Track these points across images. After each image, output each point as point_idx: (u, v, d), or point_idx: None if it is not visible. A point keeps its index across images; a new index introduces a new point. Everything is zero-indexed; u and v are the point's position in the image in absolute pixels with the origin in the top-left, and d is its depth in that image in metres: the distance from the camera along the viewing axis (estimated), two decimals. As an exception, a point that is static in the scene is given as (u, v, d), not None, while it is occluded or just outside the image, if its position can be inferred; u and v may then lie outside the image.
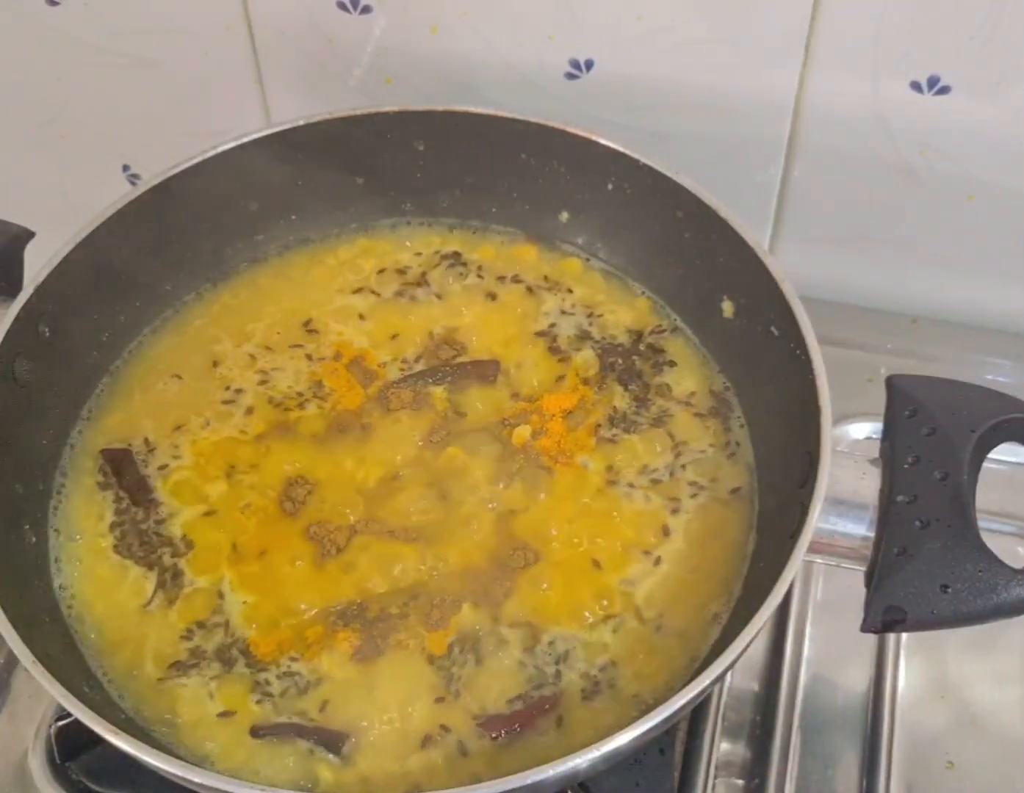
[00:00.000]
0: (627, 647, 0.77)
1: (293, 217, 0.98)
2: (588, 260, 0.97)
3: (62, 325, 0.85)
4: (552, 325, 0.93)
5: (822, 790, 0.85)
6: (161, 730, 0.74)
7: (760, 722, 0.88)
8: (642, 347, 0.91)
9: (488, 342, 0.92)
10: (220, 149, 0.90)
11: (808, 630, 0.92)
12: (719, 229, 0.85)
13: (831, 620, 0.92)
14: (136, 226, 0.88)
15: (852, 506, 0.73)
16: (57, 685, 0.66)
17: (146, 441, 0.87)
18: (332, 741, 0.73)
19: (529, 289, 0.95)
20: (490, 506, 0.82)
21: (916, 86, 0.95)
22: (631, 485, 0.84)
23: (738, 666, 0.72)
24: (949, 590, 0.68)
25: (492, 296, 0.95)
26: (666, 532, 0.82)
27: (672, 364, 0.91)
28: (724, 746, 0.87)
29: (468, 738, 0.73)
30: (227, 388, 0.90)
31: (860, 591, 0.71)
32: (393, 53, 1.05)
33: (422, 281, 0.96)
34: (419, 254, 0.98)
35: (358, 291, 0.96)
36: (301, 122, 0.92)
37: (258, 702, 0.75)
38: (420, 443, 0.86)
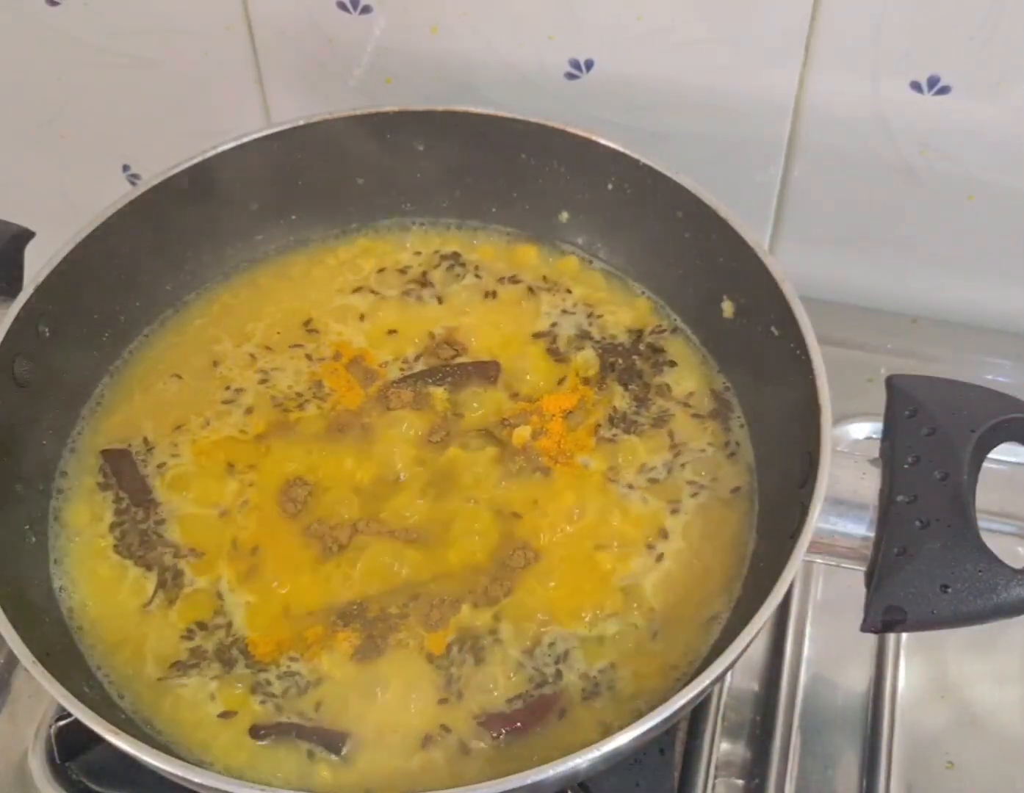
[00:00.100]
0: (627, 647, 0.77)
1: (293, 217, 0.98)
2: (588, 260, 0.97)
3: (62, 325, 0.85)
4: (553, 325, 0.93)
5: (822, 790, 0.85)
6: (161, 730, 0.74)
7: (760, 722, 0.88)
8: (642, 347, 0.91)
9: (488, 342, 0.92)
10: (220, 149, 0.90)
11: (808, 630, 0.92)
12: (719, 229, 0.85)
13: (831, 620, 0.92)
14: (136, 226, 0.88)
15: (852, 506, 0.73)
16: (57, 685, 0.66)
17: (145, 441, 0.87)
18: (332, 741, 0.73)
19: (529, 289, 0.95)
20: (490, 506, 0.82)
21: (916, 86, 0.95)
22: (631, 485, 0.84)
23: (738, 666, 0.72)
24: (949, 590, 0.68)
25: (492, 296, 0.95)
26: (666, 532, 0.82)
27: (672, 364, 0.91)
28: (724, 746, 0.87)
29: (468, 738, 0.73)
30: (227, 388, 0.90)
31: (860, 591, 0.71)
32: (393, 53, 1.05)
33: (422, 281, 0.96)
34: (419, 254, 0.98)
35: (358, 291, 0.96)
36: (301, 122, 0.92)
37: (258, 702, 0.75)
38: (420, 443, 0.86)
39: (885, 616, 0.69)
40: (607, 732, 0.64)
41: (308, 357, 0.91)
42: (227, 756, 0.73)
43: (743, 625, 0.67)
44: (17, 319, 0.80)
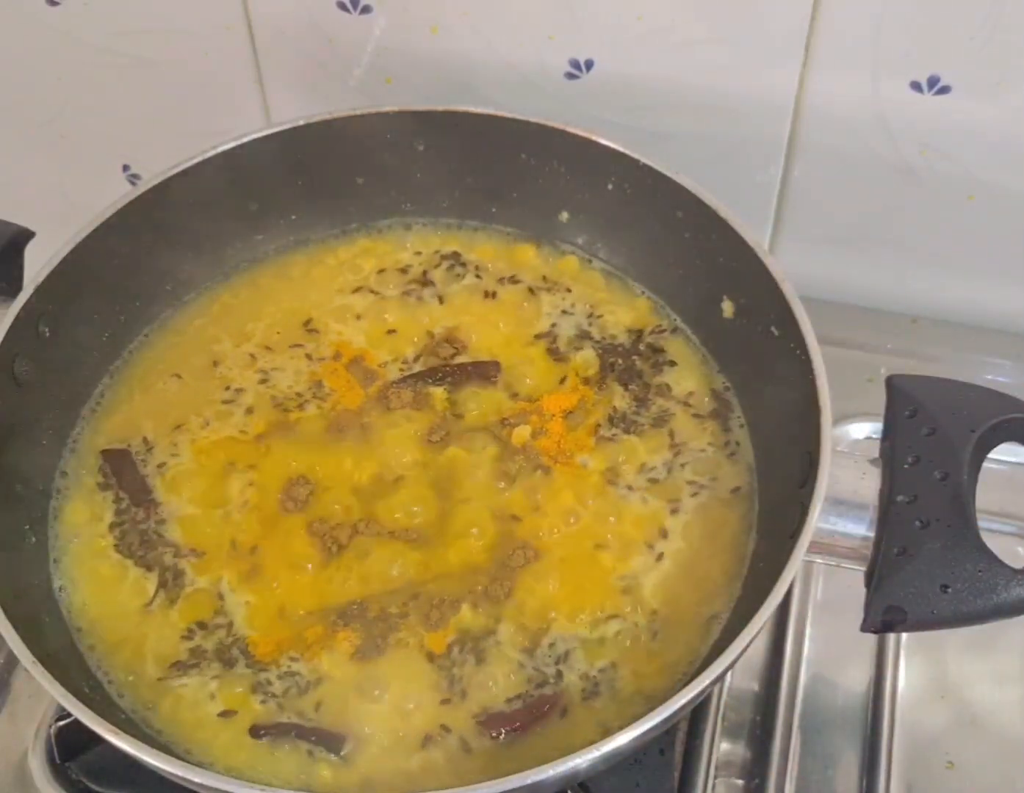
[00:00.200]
0: (627, 647, 0.77)
1: (293, 217, 0.98)
2: (588, 260, 0.97)
3: (62, 325, 0.85)
4: (552, 325, 0.93)
5: (822, 790, 0.85)
6: (161, 730, 0.74)
7: (760, 722, 0.88)
8: (642, 347, 0.91)
9: (488, 342, 0.92)
10: (220, 149, 0.90)
11: (808, 630, 0.92)
12: (719, 229, 0.85)
13: (831, 620, 0.92)
14: (136, 226, 0.88)
15: (852, 506, 0.72)
16: (57, 685, 0.66)
17: (145, 441, 0.87)
18: (332, 741, 0.73)
19: (529, 289, 0.95)
20: (490, 506, 0.82)
21: (916, 86, 0.95)
22: (631, 485, 0.84)
23: (738, 666, 0.72)
24: (949, 590, 0.68)
25: (492, 296, 0.95)
26: (665, 532, 0.82)
27: (672, 364, 0.91)
28: (724, 746, 0.87)
29: (468, 737, 0.73)
30: (227, 388, 0.90)
31: (860, 591, 0.71)
32: (393, 53, 1.05)
33: (422, 281, 0.96)
34: (419, 253, 0.98)
35: (358, 291, 0.96)
36: (301, 122, 0.92)
37: (259, 702, 0.75)
38: (420, 443, 0.86)
39: (885, 616, 0.69)
40: (607, 732, 0.64)
41: (308, 357, 0.91)
42: (227, 756, 0.73)
43: (743, 625, 0.67)
44: (17, 319, 0.80)
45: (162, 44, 1.10)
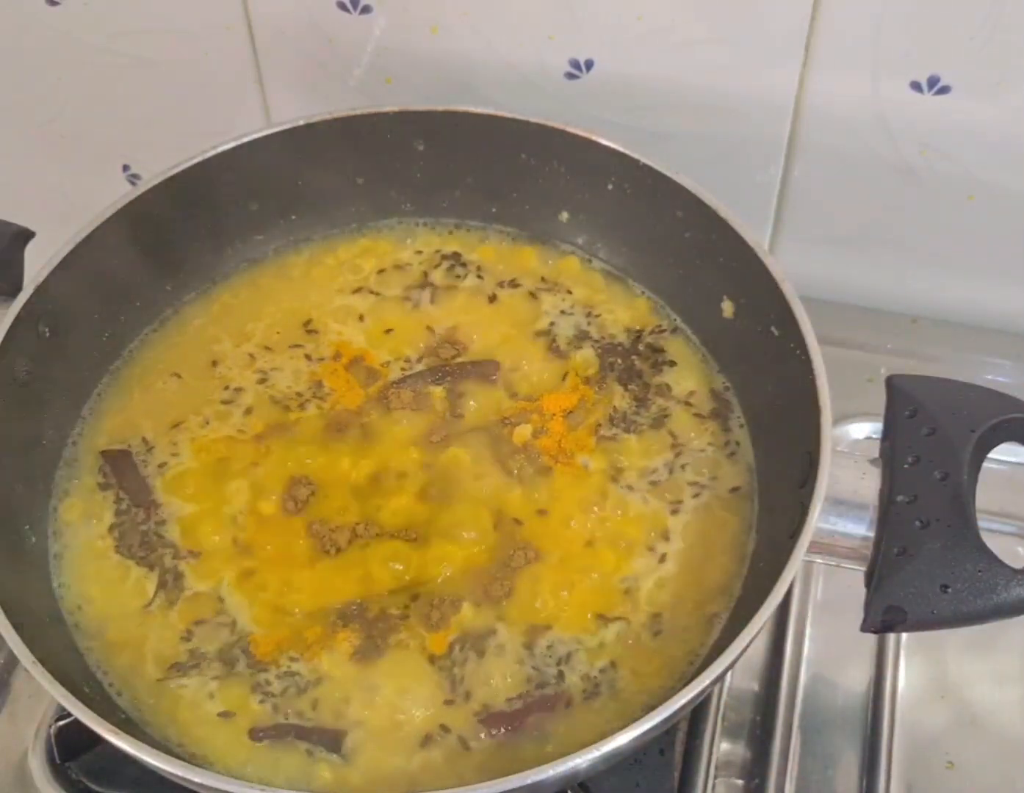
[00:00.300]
0: (627, 647, 0.77)
1: (293, 217, 0.98)
2: (588, 260, 0.97)
3: (62, 325, 0.85)
4: (552, 325, 0.93)
5: (822, 790, 0.85)
6: (161, 730, 0.74)
7: (760, 722, 0.88)
8: (642, 347, 0.91)
9: (488, 342, 0.92)
10: (220, 149, 0.90)
11: (808, 630, 0.92)
12: (719, 229, 0.85)
13: (831, 620, 0.92)
14: (136, 226, 0.88)
15: (852, 506, 0.72)
16: (57, 685, 0.66)
17: (145, 440, 0.87)
18: (331, 741, 0.73)
19: (529, 289, 0.95)
20: (490, 506, 0.82)
21: (916, 86, 0.95)
22: (631, 485, 0.84)
23: (738, 666, 0.72)
24: (949, 590, 0.68)
25: (492, 296, 0.95)
26: (666, 532, 0.82)
27: (672, 364, 0.91)
28: (724, 746, 0.87)
29: (468, 737, 0.73)
30: (226, 388, 0.90)
31: (860, 591, 0.71)
32: (393, 53, 1.05)
33: (422, 281, 0.96)
34: (419, 253, 0.98)
35: (358, 291, 0.96)
36: (301, 122, 0.92)
37: (258, 702, 0.75)
38: (420, 443, 0.86)
39: (885, 616, 0.69)
40: (607, 732, 0.64)
41: (308, 357, 0.91)
42: (227, 756, 0.73)
43: (743, 625, 0.67)
44: (17, 319, 0.80)
45: (162, 44, 1.10)
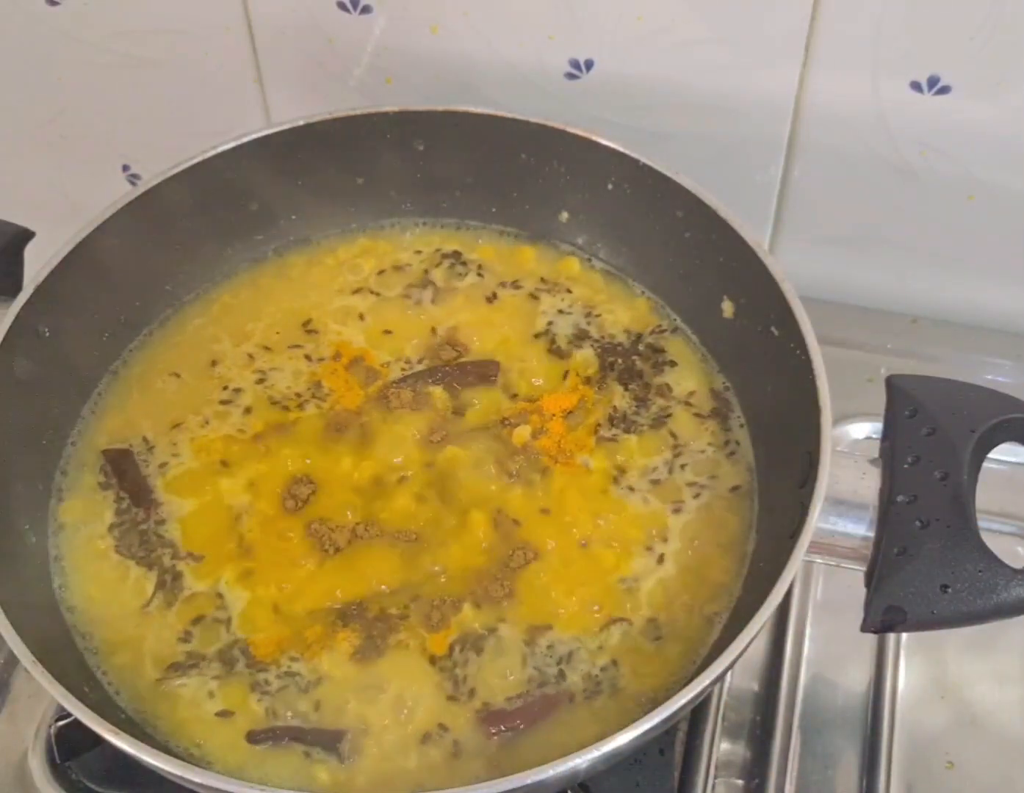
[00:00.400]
0: (627, 647, 0.77)
1: (293, 217, 0.98)
2: (588, 260, 0.97)
3: (62, 325, 0.85)
4: (552, 325, 0.93)
5: (822, 790, 0.85)
6: (161, 730, 0.74)
7: (760, 722, 0.88)
8: (642, 347, 0.91)
9: (488, 342, 0.92)
10: (220, 149, 0.90)
11: (808, 630, 0.92)
12: (719, 229, 0.85)
13: (831, 620, 0.92)
14: (136, 226, 0.88)
15: (852, 506, 0.73)
16: (57, 685, 0.66)
17: (145, 440, 0.87)
18: (329, 743, 0.73)
19: (529, 290, 0.95)
20: (490, 506, 0.82)
21: (916, 86, 0.95)
22: (631, 485, 0.84)
23: (738, 666, 0.72)
24: (949, 590, 0.68)
25: (492, 296, 0.95)
26: (666, 532, 0.82)
27: (672, 364, 0.91)
28: (724, 746, 0.87)
29: (468, 738, 0.73)
30: (225, 388, 0.90)
31: (860, 591, 0.71)
32: (393, 53, 1.05)
33: (422, 281, 0.96)
34: (419, 253, 0.98)
35: (358, 291, 0.96)
36: (301, 122, 0.92)
37: (257, 702, 0.75)
38: (420, 443, 0.86)
39: (885, 616, 0.69)
40: (607, 732, 0.64)
41: (307, 357, 0.91)
42: (226, 756, 0.73)
43: (743, 625, 0.67)
44: (17, 319, 0.80)
45: (162, 44, 1.10)
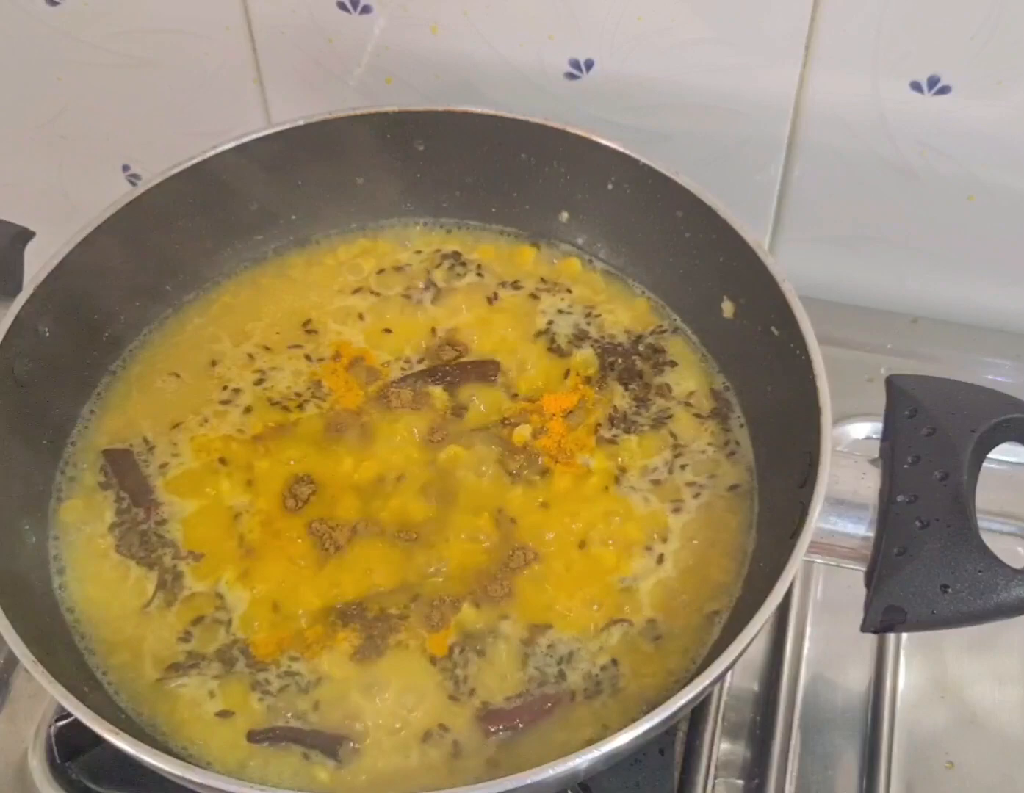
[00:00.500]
0: (627, 647, 0.77)
1: (293, 217, 0.98)
2: (588, 260, 0.97)
3: (62, 325, 0.85)
4: (552, 325, 0.93)
5: (822, 790, 0.85)
6: (161, 730, 0.74)
7: (760, 722, 0.88)
8: (642, 347, 0.91)
9: (488, 341, 0.92)
10: (220, 149, 0.90)
11: (808, 630, 0.92)
12: (719, 229, 0.85)
13: (831, 620, 0.92)
14: (136, 226, 0.88)
15: (852, 506, 0.72)
16: (57, 685, 0.66)
17: (145, 440, 0.87)
18: (328, 744, 0.73)
19: (530, 290, 0.95)
20: (490, 506, 0.82)
21: (916, 86, 0.95)
22: (631, 485, 0.84)
23: (738, 666, 0.72)
24: (949, 590, 0.68)
25: (492, 296, 0.95)
26: (666, 532, 0.82)
27: (672, 364, 0.91)
28: (724, 746, 0.87)
29: (468, 737, 0.73)
30: (225, 388, 0.90)
31: (860, 591, 0.71)
32: (393, 53, 1.05)
33: (423, 281, 0.96)
34: (419, 253, 0.98)
35: (358, 291, 0.96)
36: (301, 122, 0.92)
37: (258, 702, 0.75)
38: (420, 443, 0.86)
39: (885, 616, 0.69)
40: (607, 732, 0.64)
41: (307, 357, 0.91)
42: (226, 755, 0.73)
43: (743, 625, 0.67)
44: (17, 319, 0.80)
45: (162, 44, 1.10)
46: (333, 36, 1.05)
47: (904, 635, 0.91)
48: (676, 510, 0.83)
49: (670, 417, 0.87)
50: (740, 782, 0.85)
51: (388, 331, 0.93)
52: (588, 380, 0.89)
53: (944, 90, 0.95)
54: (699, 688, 0.66)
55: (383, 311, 0.94)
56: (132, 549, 0.82)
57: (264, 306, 0.95)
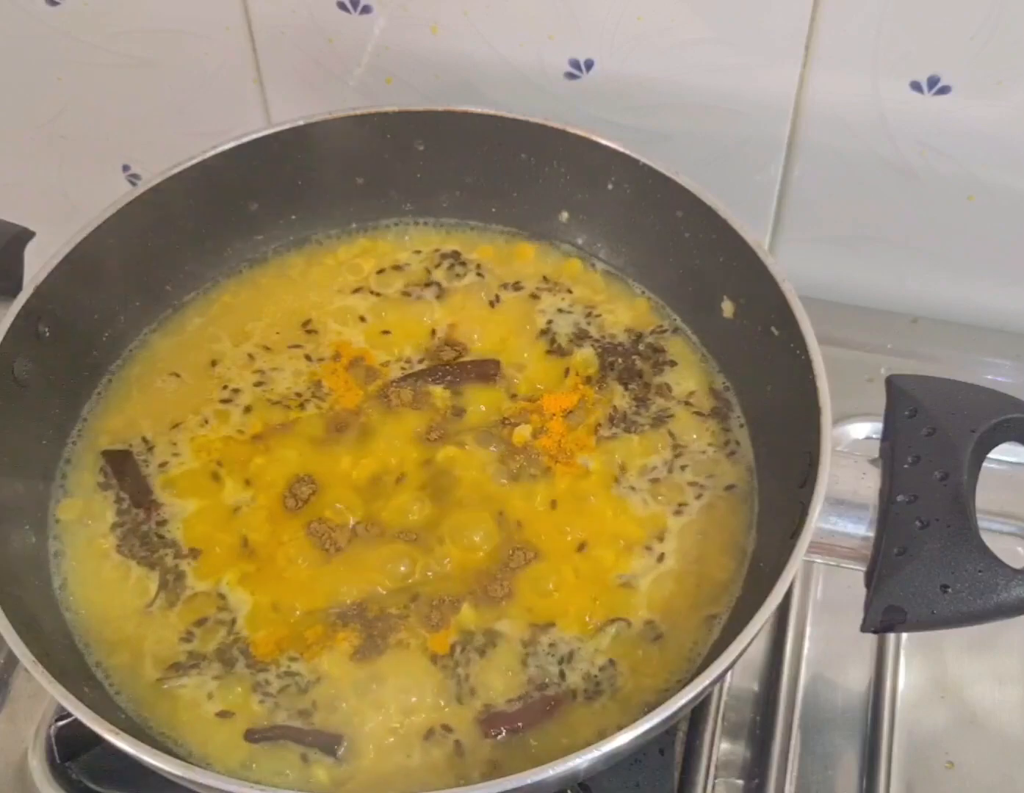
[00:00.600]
0: (627, 647, 0.77)
1: (293, 217, 0.98)
2: (588, 260, 0.97)
3: (62, 325, 0.85)
4: (550, 322, 0.93)
5: (822, 790, 0.85)
6: (161, 730, 0.74)
7: (760, 722, 0.88)
8: (642, 347, 0.91)
9: (488, 341, 0.92)
10: (220, 149, 0.90)
11: (808, 630, 0.92)
12: (719, 229, 0.85)
13: (831, 620, 0.92)
14: (136, 226, 0.88)
15: (852, 506, 0.72)
16: (57, 685, 0.66)
17: (145, 440, 0.87)
18: (327, 744, 0.73)
19: (530, 290, 0.95)
20: (490, 506, 0.82)
21: (916, 86, 0.95)
22: (631, 485, 0.84)
23: (738, 666, 0.72)
24: (949, 590, 0.68)
25: (492, 296, 0.95)
26: (666, 532, 0.82)
27: (672, 364, 0.91)
28: (724, 746, 0.87)
29: (468, 737, 0.73)
30: (225, 388, 0.90)
31: (860, 591, 0.71)
32: (393, 53, 1.05)
33: (423, 281, 0.96)
34: (419, 252, 0.98)
35: (358, 291, 0.96)
36: (301, 122, 0.92)
37: (258, 702, 0.75)
38: (420, 442, 0.86)
39: (885, 616, 0.69)
40: (607, 732, 0.64)
41: (307, 357, 0.91)
42: (226, 755, 0.73)
43: (743, 625, 0.67)
44: (17, 319, 0.80)
45: (162, 44, 1.10)
46: (333, 36, 1.05)
47: (904, 635, 0.91)
48: (676, 510, 0.83)
49: (670, 417, 0.87)
50: (740, 782, 0.85)
51: (388, 331, 0.93)
52: (588, 380, 0.89)
53: (944, 90, 0.95)
54: (699, 688, 0.65)
55: (383, 311, 0.94)
56: (133, 549, 0.82)
57: (264, 306, 0.95)
